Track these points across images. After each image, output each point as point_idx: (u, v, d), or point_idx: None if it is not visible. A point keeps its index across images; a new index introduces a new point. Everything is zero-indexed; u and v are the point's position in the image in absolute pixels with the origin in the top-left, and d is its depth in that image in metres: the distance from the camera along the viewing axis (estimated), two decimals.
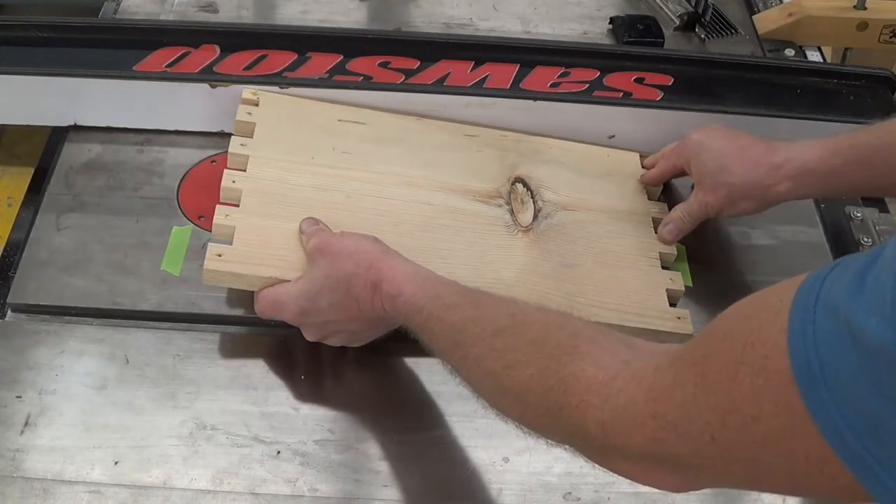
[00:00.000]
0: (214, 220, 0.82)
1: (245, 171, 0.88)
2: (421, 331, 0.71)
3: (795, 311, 0.44)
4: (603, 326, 0.62)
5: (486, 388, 0.66)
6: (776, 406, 0.44)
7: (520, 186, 0.94)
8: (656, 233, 0.93)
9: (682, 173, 0.94)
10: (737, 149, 0.87)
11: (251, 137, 0.91)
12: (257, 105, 0.94)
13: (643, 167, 0.99)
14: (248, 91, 0.95)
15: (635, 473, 0.56)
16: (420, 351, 0.81)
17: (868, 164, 0.82)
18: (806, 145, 0.85)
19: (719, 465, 0.49)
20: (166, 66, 0.99)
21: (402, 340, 0.85)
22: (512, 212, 0.91)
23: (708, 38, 1.23)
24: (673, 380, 0.50)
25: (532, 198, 0.93)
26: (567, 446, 0.60)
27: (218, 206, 0.84)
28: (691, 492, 0.61)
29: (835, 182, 0.85)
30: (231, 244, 0.81)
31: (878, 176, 0.83)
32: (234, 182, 0.86)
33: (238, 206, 0.84)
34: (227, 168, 0.88)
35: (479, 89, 1.01)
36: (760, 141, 0.88)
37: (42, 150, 1.00)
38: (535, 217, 0.91)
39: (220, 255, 0.80)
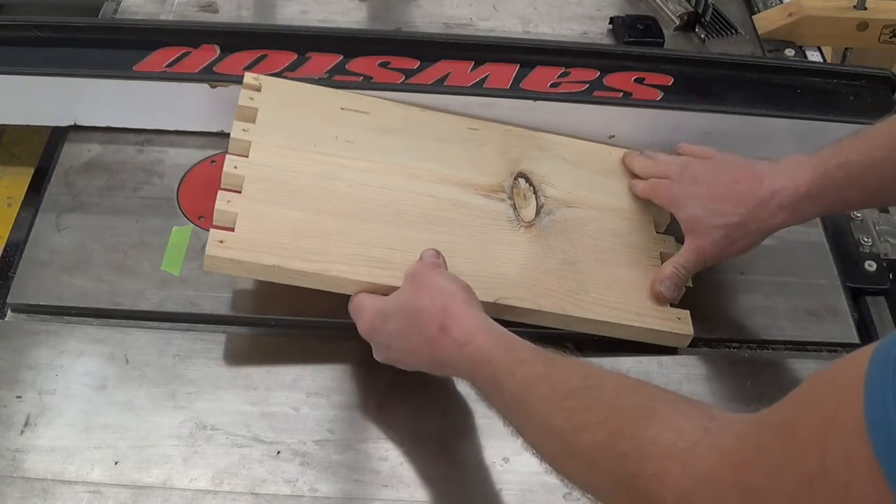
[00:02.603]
0: (216, 206, 0.81)
1: (247, 156, 0.87)
2: (487, 383, 0.68)
3: (872, 378, 0.42)
4: (679, 394, 0.59)
5: (553, 451, 0.63)
6: (870, 474, 0.42)
7: (522, 182, 0.94)
8: (656, 233, 0.93)
9: None
10: (722, 187, 0.85)
11: (253, 122, 0.90)
12: (259, 90, 0.94)
13: (628, 166, 0.98)
14: (249, 76, 0.94)
15: None
16: None
17: (860, 183, 0.80)
18: (794, 169, 0.82)
19: None
20: (166, 66, 0.99)
21: None
22: (514, 207, 0.91)
23: (708, 38, 1.23)
24: (757, 446, 0.48)
25: (534, 193, 0.93)
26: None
27: (220, 191, 0.83)
28: None
29: (829, 203, 0.83)
30: (233, 230, 0.81)
31: (873, 192, 0.82)
32: (235, 168, 0.85)
33: (240, 192, 0.84)
34: (228, 153, 0.87)
35: (479, 89, 1.01)
36: (745, 171, 0.85)
37: (42, 150, 1.00)
38: (538, 213, 0.91)
39: (221, 242, 0.79)
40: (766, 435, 0.48)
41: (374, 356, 0.78)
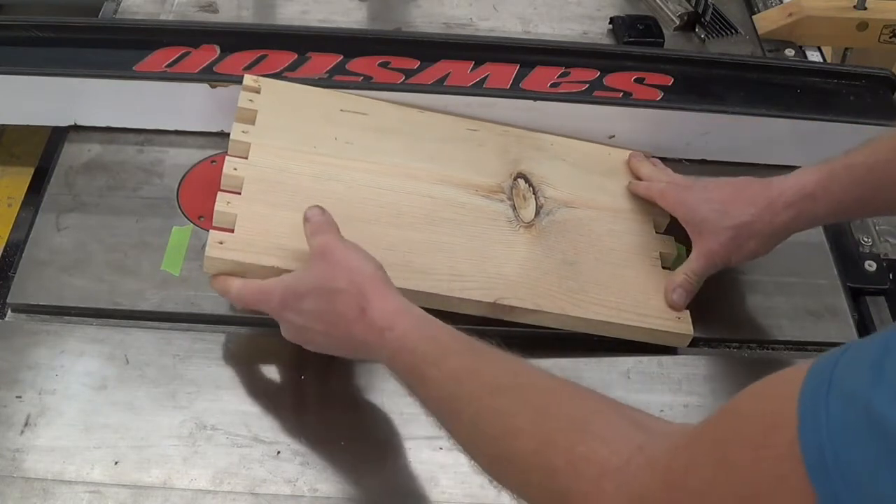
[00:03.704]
0: (216, 208, 0.82)
1: (247, 158, 0.87)
2: (409, 373, 0.66)
3: (805, 399, 0.42)
4: (610, 399, 0.58)
5: (483, 453, 0.61)
6: (801, 497, 0.41)
7: (521, 182, 0.94)
8: (656, 233, 0.93)
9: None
10: (733, 191, 0.85)
11: (252, 124, 0.90)
12: (259, 92, 0.94)
13: (630, 168, 0.98)
14: (249, 78, 0.95)
15: None
16: None
17: (863, 183, 0.81)
18: (802, 171, 0.84)
19: None
20: (166, 66, 0.99)
21: None
22: (514, 207, 0.91)
23: (708, 38, 1.23)
24: (689, 464, 0.48)
25: (534, 194, 0.93)
26: None
27: (219, 193, 0.83)
28: None
29: (835, 205, 0.83)
30: (233, 231, 0.81)
31: (876, 194, 0.82)
32: (235, 169, 0.85)
33: (240, 193, 0.84)
34: (228, 155, 0.87)
35: (479, 89, 1.01)
36: (755, 179, 0.86)
37: (42, 150, 1.00)
38: (537, 213, 0.91)
39: (221, 243, 0.79)
40: (699, 453, 0.48)
41: (284, 335, 0.75)
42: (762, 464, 0.43)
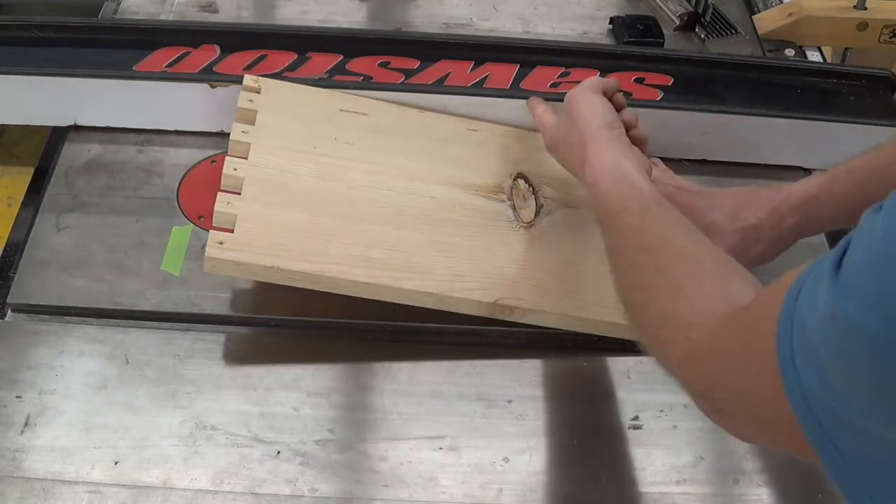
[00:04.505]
0: (216, 208, 0.82)
1: (247, 158, 0.87)
2: (602, 217, 0.76)
3: (788, 299, 0.50)
4: (726, 257, 0.67)
5: (621, 283, 0.73)
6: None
7: (521, 182, 0.94)
8: None
9: None
10: (740, 198, 0.87)
11: (252, 124, 0.90)
12: (259, 92, 0.94)
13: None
14: (249, 78, 0.95)
15: (702, 407, 0.62)
16: (421, 352, 0.81)
17: (864, 185, 0.82)
18: (808, 178, 0.86)
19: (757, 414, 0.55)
20: (166, 66, 0.99)
21: (401, 341, 0.85)
22: (514, 207, 0.91)
23: (708, 38, 1.23)
24: (721, 338, 0.58)
25: (534, 194, 0.93)
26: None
27: (219, 193, 0.83)
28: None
29: (838, 208, 0.83)
30: (233, 231, 0.81)
31: (879, 196, 0.82)
32: (235, 170, 0.85)
33: (240, 193, 0.84)
34: (228, 155, 0.87)
35: (479, 89, 1.01)
36: (762, 186, 0.88)
37: (42, 150, 1.00)
38: (537, 213, 0.91)
39: (221, 243, 0.79)
40: (724, 335, 0.57)
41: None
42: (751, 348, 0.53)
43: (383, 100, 0.97)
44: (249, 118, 0.91)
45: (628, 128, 0.89)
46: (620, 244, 0.73)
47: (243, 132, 0.89)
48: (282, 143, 0.89)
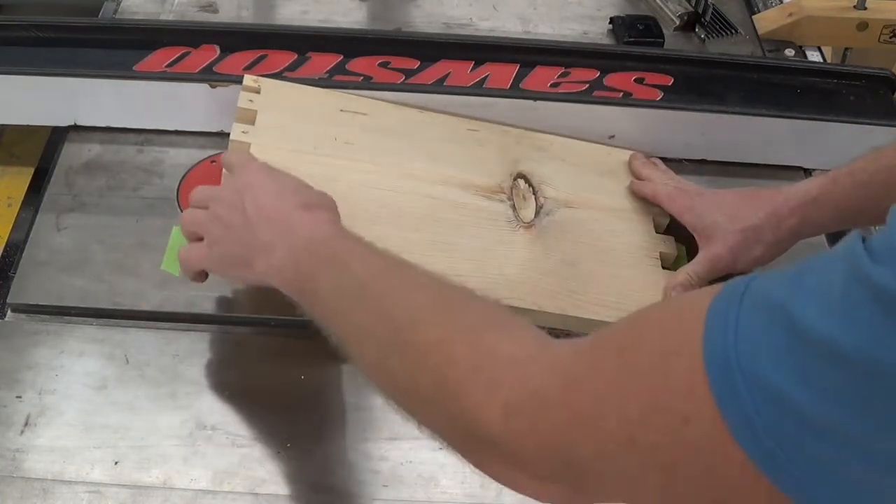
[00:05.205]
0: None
1: None
2: (321, 264, 0.65)
3: (716, 307, 0.41)
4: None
5: (380, 341, 0.58)
6: (710, 407, 0.40)
7: (522, 182, 0.94)
8: (656, 233, 0.93)
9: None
10: (740, 198, 0.87)
11: (252, 125, 0.90)
12: (258, 92, 0.94)
13: (632, 170, 0.98)
14: (249, 78, 0.94)
15: (516, 478, 0.50)
16: None
17: (864, 187, 0.81)
18: (808, 179, 0.86)
19: (631, 472, 0.44)
20: (166, 66, 0.99)
21: None
22: (514, 207, 0.91)
23: (708, 38, 1.23)
24: (590, 366, 0.46)
25: (534, 194, 0.93)
26: (440, 435, 0.55)
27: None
28: None
29: (838, 210, 0.83)
30: None
31: (879, 199, 0.82)
32: None
33: None
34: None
35: (479, 89, 1.01)
36: (762, 188, 0.88)
37: (42, 150, 1.00)
38: (537, 213, 0.91)
39: None
40: (602, 356, 0.46)
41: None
42: (670, 372, 0.42)
43: (383, 100, 0.97)
44: (249, 118, 0.90)
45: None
46: (373, 284, 0.61)
47: (243, 132, 0.89)
48: (281, 143, 0.89)
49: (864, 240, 0.40)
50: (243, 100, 0.92)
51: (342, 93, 0.97)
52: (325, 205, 0.73)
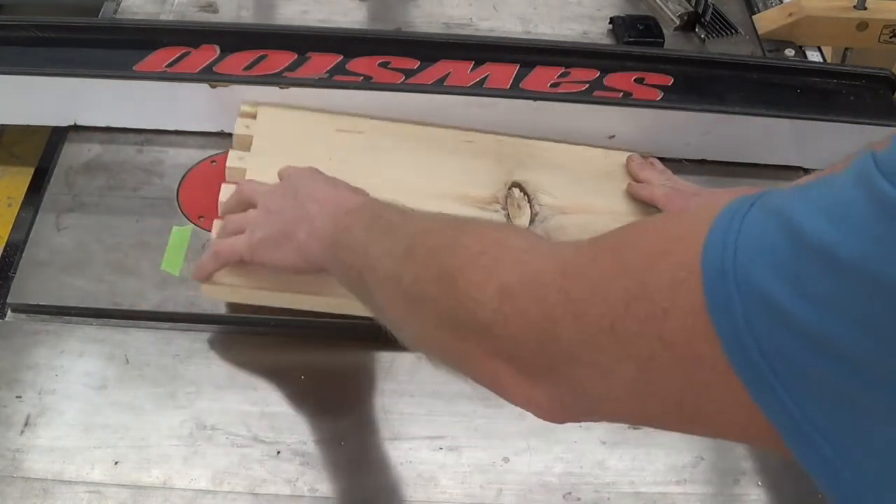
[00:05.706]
0: (212, 234, 0.83)
1: None
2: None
3: (724, 215, 0.41)
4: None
5: (394, 254, 0.61)
6: (692, 305, 0.40)
7: (516, 191, 0.94)
8: None
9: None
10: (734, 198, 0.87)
11: (248, 151, 0.91)
12: (255, 118, 0.94)
13: (630, 172, 0.98)
14: (245, 105, 0.95)
15: (500, 372, 0.51)
16: None
17: None
18: (804, 178, 0.85)
19: (607, 361, 0.44)
20: (166, 66, 0.99)
21: None
22: (508, 217, 0.91)
23: (708, 38, 1.23)
24: (590, 259, 0.47)
25: (529, 202, 0.93)
26: (433, 339, 0.56)
27: (215, 221, 0.84)
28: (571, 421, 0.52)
29: None
30: None
31: None
32: None
33: None
34: (224, 182, 0.88)
35: (479, 89, 1.01)
36: (760, 186, 0.87)
37: (42, 150, 1.00)
38: (532, 221, 0.91)
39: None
40: (600, 250, 0.48)
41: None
42: (657, 268, 0.42)
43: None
44: (245, 144, 0.91)
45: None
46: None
47: (239, 158, 0.90)
48: (278, 166, 0.89)
49: (874, 156, 0.39)
50: (240, 126, 0.93)
51: (338, 115, 0.97)
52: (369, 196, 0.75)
